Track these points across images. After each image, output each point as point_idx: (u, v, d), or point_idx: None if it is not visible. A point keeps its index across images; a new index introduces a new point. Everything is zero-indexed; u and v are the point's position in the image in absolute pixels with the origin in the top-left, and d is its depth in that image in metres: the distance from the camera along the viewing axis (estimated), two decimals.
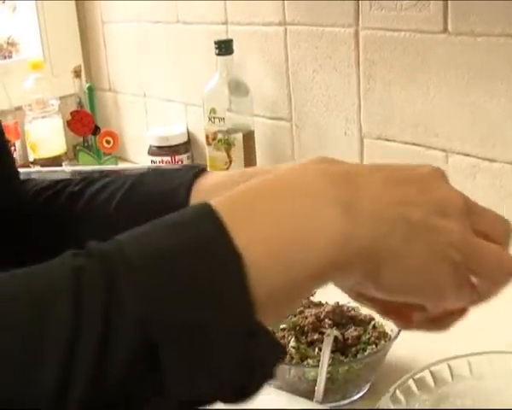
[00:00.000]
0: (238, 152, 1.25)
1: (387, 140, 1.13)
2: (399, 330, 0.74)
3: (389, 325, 0.79)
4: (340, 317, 0.81)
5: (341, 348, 0.77)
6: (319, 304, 0.84)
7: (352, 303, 0.81)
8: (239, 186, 0.43)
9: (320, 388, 0.72)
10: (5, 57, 1.72)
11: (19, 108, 1.57)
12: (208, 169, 1.26)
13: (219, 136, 1.24)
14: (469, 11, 0.97)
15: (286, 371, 0.74)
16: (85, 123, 1.54)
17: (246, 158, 1.26)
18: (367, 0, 1.09)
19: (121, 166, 1.57)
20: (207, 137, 1.26)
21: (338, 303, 0.82)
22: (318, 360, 0.73)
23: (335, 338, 0.77)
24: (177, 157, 1.47)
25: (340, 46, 1.16)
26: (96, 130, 1.55)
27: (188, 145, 1.50)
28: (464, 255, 0.44)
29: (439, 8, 1.01)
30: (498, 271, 0.46)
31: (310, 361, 0.76)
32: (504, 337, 0.79)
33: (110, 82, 1.69)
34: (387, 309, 0.50)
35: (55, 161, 1.59)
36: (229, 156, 1.24)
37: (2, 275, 0.36)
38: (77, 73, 1.61)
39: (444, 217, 0.44)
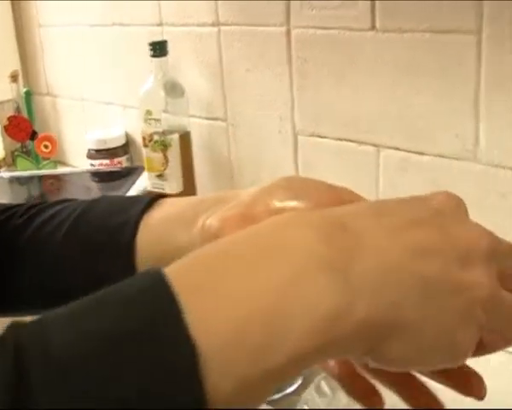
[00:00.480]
0: (175, 153, 1.25)
1: (320, 137, 1.15)
2: None
3: None
4: None
5: None
6: None
7: None
8: (199, 249, 0.35)
9: None
10: None
11: None
12: (145, 171, 1.27)
13: (155, 137, 1.24)
14: (396, 8, 0.99)
15: None
16: (23, 128, 1.53)
17: (183, 159, 1.26)
18: (298, 0, 1.11)
19: (60, 170, 1.56)
20: (144, 139, 1.26)
21: None
22: None
23: None
24: (115, 160, 1.46)
25: (273, 45, 1.17)
26: (33, 135, 1.54)
27: (126, 147, 1.50)
28: (491, 315, 0.36)
29: (367, 6, 1.03)
30: None
31: None
32: None
33: (48, 86, 1.68)
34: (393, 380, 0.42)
35: None
36: (165, 157, 1.24)
37: None
38: (14, 78, 1.60)
39: (467, 266, 0.35)
